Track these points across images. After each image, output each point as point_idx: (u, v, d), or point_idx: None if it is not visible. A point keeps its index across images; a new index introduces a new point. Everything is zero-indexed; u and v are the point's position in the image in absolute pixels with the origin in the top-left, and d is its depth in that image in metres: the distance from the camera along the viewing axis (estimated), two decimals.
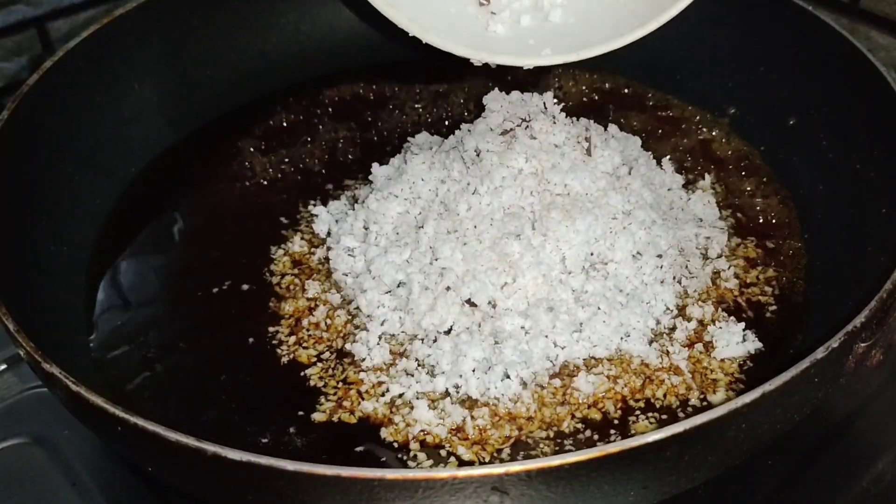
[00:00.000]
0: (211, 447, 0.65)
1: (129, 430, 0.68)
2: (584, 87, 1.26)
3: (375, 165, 1.09)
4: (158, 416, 0.86)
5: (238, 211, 1.10)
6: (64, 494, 0.88)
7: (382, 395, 0.87)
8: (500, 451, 0.82)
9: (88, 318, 0.96)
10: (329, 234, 1.04)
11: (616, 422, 0.84)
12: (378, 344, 0.91)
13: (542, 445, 0.82)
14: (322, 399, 0.87)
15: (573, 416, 0.84)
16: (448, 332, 0.90)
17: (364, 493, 0.64)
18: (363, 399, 0.86)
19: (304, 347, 0.92)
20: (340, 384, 0.88)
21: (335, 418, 0.85)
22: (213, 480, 0.72)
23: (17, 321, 0.77)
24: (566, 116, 1.04)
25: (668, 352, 0.90)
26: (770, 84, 1.14)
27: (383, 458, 0.81)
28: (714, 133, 1.17)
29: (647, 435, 0.64)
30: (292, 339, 0.93)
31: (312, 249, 1.03)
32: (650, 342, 0.90)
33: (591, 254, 0.93)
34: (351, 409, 0.86)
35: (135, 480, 0.89)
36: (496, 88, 1.07)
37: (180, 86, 1.22)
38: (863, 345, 0.75)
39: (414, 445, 0.82)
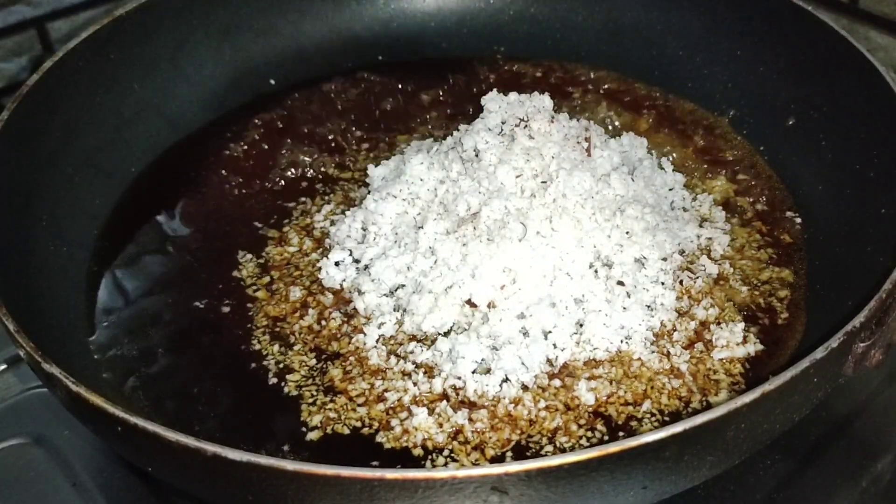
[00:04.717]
0: (211, 447, 0.65)
1: (129, 430, 0.68)
2: (584, 87, 1.26)
3: (371, 167, 1.09)
4: (158, 415, 0.86)
5: (237, 211, 1.10)
6: (64, 494, 0.88)
7: (379, 398, 0.86)
8: (499, 455, 0.81)
9: (88, 318, 0.96)
10: (328, 234, 1.04)
11: (618, 425, 0.83)
12: (375, 347, 0.90)
13: (541, 448, 0.82)
14: (317, 406, 0.86)
15: (576, 423, 0.84)
16: (447, 333, 0.90)
17: (364, 493, 0.64)
18: (359, 405, 0.86)
19: (300, 353, 0.91)
20: (336, 389, 0.87)
21: (329, 429, 0.84)
22: (213, 480, 0.72)
23: (17, 321, 0.78)
24: (566, 116, 1.04)
25: (668, 353, 0.89)
26: (770, 84, 1.15)
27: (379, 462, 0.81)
28: (714, 133, 1.17)
29: (647, 435, 0.64)
30: (286, 341, 0.92)
31: (310, 250, 1.03)
32: (651, 344, 0.90)
33: (591, 254, 0.93)
34: (347, 415, 0.85)
35: (135, 480, 0.89)
36: (495, 89, 1.07)
37: (180, 86, 1.22)
38: (862, 345, 0.75)
39: (416, 451, 0.82)
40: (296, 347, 0.92)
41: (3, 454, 0.92)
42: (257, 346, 0.92)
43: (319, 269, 0.99)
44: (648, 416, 0.84)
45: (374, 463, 0.81)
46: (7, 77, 1.38)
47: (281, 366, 0.90)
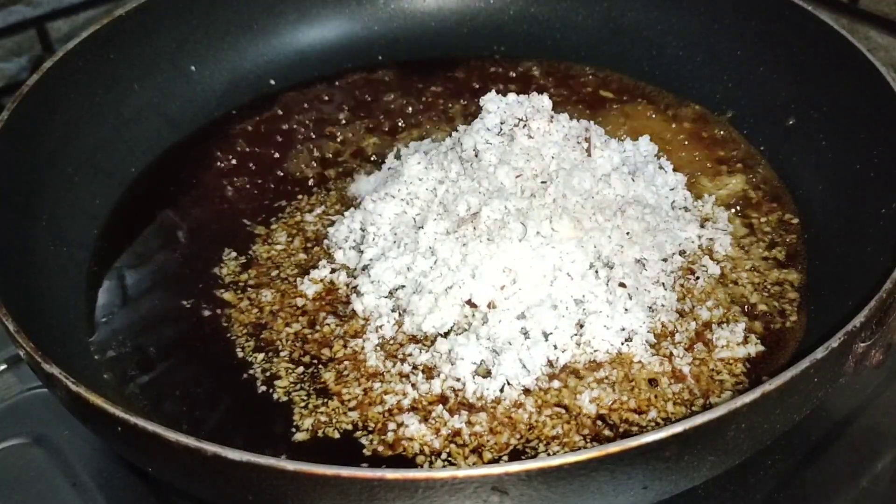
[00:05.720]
0: (211, 447, 0.65)
1: (129, 431, 0.68)
2: (584, 87, 1.26)
3: (353, 185, 1.10)
4: (158, 415, 0.86)
5: (237, 211, 1.10)
6: (64, 494, 0.88)
7: (377, 401, 0.85)
8: (497, 459, 0.81)
9: (88, 318, 0.96)
10: (320, 234, 1.04)
11: (620, 434, 0.83)
12: (374, 350, 0.90)
13: (539, 454, 0.81)
14: (312, 411, 0.85)
15: (578, 433, 0.83)
16: (446, 334, 0.90)
17: (364, 493, 0.64)
18: (356, 409, 0.85)
19: (297, 358, 0.90)
20: (330, 392, 0.87)
21: (320, 433, 0.83)
22: (213, 480, 0.71)
23: (17, 321, 0.78)
24: (566, 116, 1.04)
25: (670, 354, 0.89)
26: (770, 84, 1.15)
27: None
28: (714, 133, 1.17)
29: (647, 435, 0.64)
30: (283, 343, 0.92)
31: (297, 250, 1.03)
32: (652, 345, 0.90)
33: (592, 255, 0.92)
34: (339, 419, 0.84)
35: (135, 480, 0.89)
36: (493, 90, 1.07)
37: (180, 86, 1.22)
38: (862, 345, 0.75)
39: (412, 455, 0.81)
40: (282, 354, 0.91)
41: (3, 454, 0.92)
42: (241, 354, 0.92)
43: (317, 266, 0.99)
44: (653, 424, 0.83)
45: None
46: (7, 77, 1.39)
47: (268, 373, 0.89)
